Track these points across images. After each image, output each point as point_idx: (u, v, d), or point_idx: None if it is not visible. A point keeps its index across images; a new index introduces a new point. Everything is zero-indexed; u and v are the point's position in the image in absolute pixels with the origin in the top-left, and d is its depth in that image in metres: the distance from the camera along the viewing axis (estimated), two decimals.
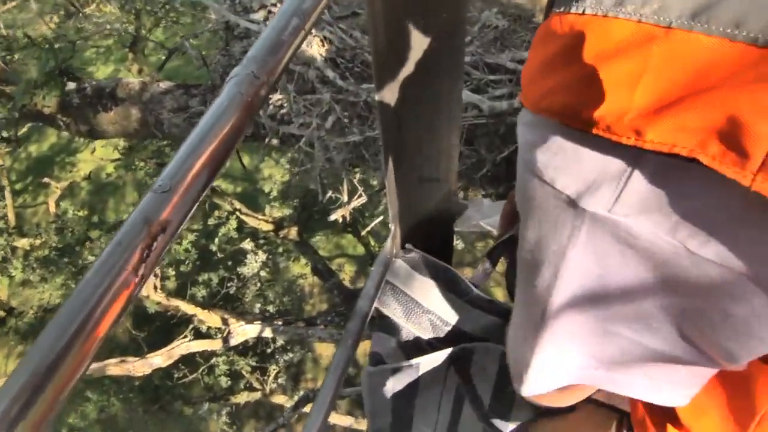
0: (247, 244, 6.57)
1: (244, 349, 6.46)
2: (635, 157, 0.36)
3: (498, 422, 1.05)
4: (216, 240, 6.61)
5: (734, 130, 0.30)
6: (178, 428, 6.75)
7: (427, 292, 1.19)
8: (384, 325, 1.16)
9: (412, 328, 1.17)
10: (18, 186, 8.08)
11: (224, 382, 6.39)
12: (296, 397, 5.83)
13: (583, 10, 0.37)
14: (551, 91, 0.39)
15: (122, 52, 7.21)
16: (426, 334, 1.17)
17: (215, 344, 4.60)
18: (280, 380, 6.65)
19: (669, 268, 0.38)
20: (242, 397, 6.43)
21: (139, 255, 0.40)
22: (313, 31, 2.24)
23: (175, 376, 6.10)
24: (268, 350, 6.50)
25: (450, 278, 1.17)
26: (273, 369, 6.50)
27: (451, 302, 1.18)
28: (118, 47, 6.48)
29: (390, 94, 0.94)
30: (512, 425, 1.04)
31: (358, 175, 2.97)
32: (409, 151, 1.05)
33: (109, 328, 0.39)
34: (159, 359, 4.21)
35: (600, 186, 0.38)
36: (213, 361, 6.26)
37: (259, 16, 2.43)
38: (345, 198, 2.76)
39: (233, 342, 4.35)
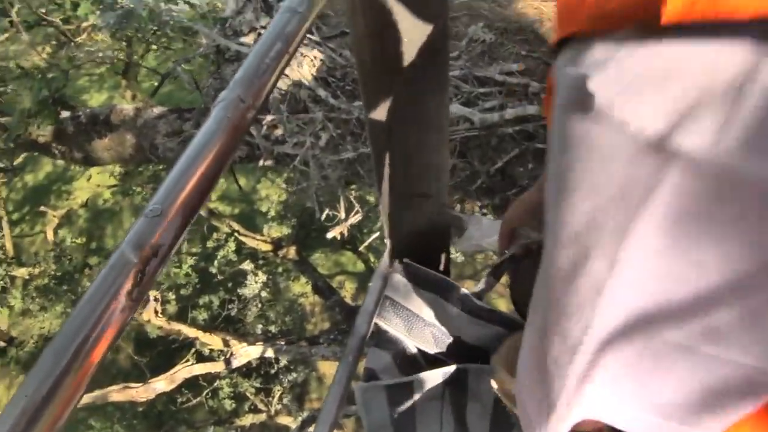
0: (247, 265, 6.57)
1: (247, 371, 6.43)
2: (761, 44, 0.24)
3: None
4: (215, 262, 6.60)
5: None
6: None
7: (428, 305, 1.19)
8: (380, 340, 1.16)
9: (414, 342, 1.17)
10: (15, 216, 8.07)
11: (228, 404, 6.35)
12: (301, 418, 5.79)
13: None
14: None
15: (115, 79, 7.26)
16: (429, 347, 1.17)
17: (218, 366, 4.58)
18: (284, 401, 6.60)
19: None
20: (247, 420, 6.38)
21: (133, 279, 0.40)
22: (304, 51, 2.27)
23: (179, 400, 6.06)
24: (272, 371, 6.46)
25: (449, 290, 1.17)
26: (277, 390, 6.46)
27: (452, 314, 1.18)
28: (111, 74, 6.53)
29: (378, 112, 0.96)
30: None
31: (354, 192, 2.98)
32: (400, 167, 1.06)
33: (105, 352, 0.39)
34: (162, 384, 4.19)
35: (703, 109, 0.26)
36: (216, 384, 6.22)
37: (249, 39, 2.46)
38: (342, 215, 2.76)
39: (236, 364, 4.33)
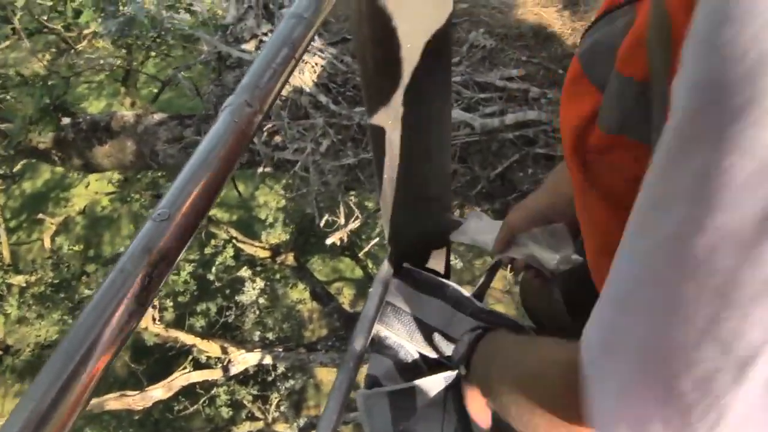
0: (245, 272, 6.56)
1: (244, 378, 6.40)
2: None
3: None
4: (213, 269, 6.59)
5: None
6: None
7: (429, 309, 1.19)
8: (381, 346, 1.16)
9: (416, 347, 1.17)
10: (12, 223, 8.06)
11: (225, 412, 6.31)
12: (299, 425, 5.76)
13: None
14: None
15: (114, 86, 7.27)
16: (431, 352, 1.17)
17: (215, 374, 4.56)
18: (282, 408, 6.57)
19: None
20: (244, 428, 6.35)
21: (140, 283, 0.40)
22: (305, 57, 2.28)
23: (176, 408, 6.03)
24: (269, 378, 6.44)
25: (450, 293, 1.17)
26: (275, 397, 6.43)
27: (454, 317, 1.18)
28: (110, 81, 6.54)
29: (380, 117, 0.96)
30: None
31: (354, 198, 2.98)
32: (402, 172, 1.06)
33: (113, 356, 0.39)
34: (159, 392, 4.17)
35: None
36: (213, 391, 6.19)
37: (251, 46, 2.47)
38: (342, 221, 2.77)
39: (234, 371, 4.32)
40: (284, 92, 2.29)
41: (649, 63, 0.37)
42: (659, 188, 0.27)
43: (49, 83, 2.63)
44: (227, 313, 6.45)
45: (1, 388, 7.04)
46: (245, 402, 6.39)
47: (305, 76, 2.27)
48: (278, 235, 6.78)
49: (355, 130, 2.22)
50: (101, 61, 4.35)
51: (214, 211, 7.77)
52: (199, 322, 6.41)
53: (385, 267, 1.27)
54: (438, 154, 1.07)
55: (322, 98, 2.25)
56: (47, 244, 6.62)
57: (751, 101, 0.21)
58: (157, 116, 2.84)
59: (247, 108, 0.49)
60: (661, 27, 0.34)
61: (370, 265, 7.09)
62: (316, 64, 2.28)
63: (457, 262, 6.15)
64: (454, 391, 1.10)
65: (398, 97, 0.92)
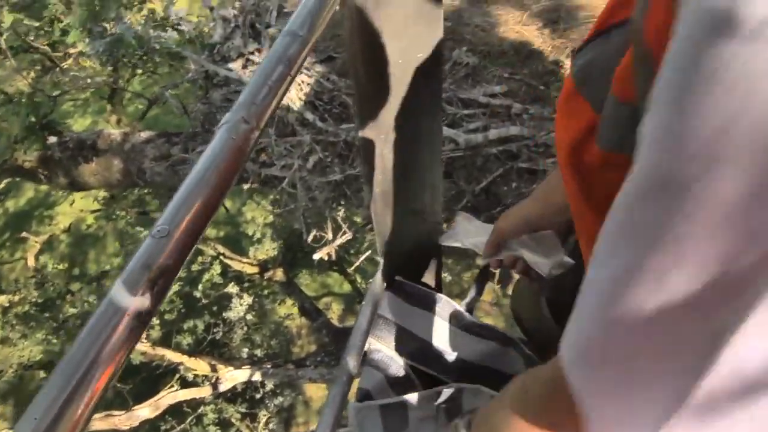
0: (232, 288, 6.51)
1: (232, 396, 6.32)
2: None
3: None
4: (200, 286, 6.53)
5: None
6: None
7: (421, 322, 1.19)
8: (374, 360, 1.16)
9: (408, 360, 1.17)
10: None
11: (213, 431, 6.23)
12: None
13: None
14: None
15: (100, 104, 7.24)
16: (422, 365, 1.17)
17: (203, 391, 4.51)
18: (271, 426, 6.50)
19: None
20: None
21: (141, 299, 0.41)
22: None
23: (163, 428, 5.93)
24: (258, 396, 6.36)
25: (441, 306, 1.18)
26: (263, 415, 6.36)
27: (446, 330, 1.19)
28: (96, 99, 6.52)
29: (372, 132, 0.97)
30: None
31: (341, 213, 2.99)
32: (394, 186, 1.07)
33: (114, 373, 0.39)
34: (146, 411, 4.11)
35: None
36: (201, 410, 6.11)
37: (238, 64, 2.48)
38: (329, 236, 2.77)
39: (222, 388, 4.27)
40: None
41: (636, 93, 0.38)
42: (614, 232, 0.30)
43: (35, 100, 2.61)
44: (215, 330, 6.39)
45: None
46: (233, 420, 6.30)
47: (292, 93, 2.28)
48: (266, 250, 6.75)
49: (342, 146, 2.24)
50: (88, 80, 4.34)
51: None
52: (186, 340, 6.34)
53: (378, 280, 1.28)
54: (429, 168, 1.09)
55: (309, 115, 2.27)
56: (31, 262, 6.53)
57: (693, 188, 0.24)
58: (144, 134, 2.83)
59: (243, 125, 0.50)
60: (644, 60, 0.35)
61: (359, 280, 7.07)
62: (303, 81, 2.30)
63: (446, 276, 6.16)
64: (448, 405, 1.10)
65: (389, 112, 0.93)
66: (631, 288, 0.28)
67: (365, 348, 1.17)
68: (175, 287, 6.30)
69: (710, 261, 0.24)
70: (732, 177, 0.23)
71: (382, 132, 0.96)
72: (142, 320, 0.40)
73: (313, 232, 2.96)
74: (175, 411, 5.71)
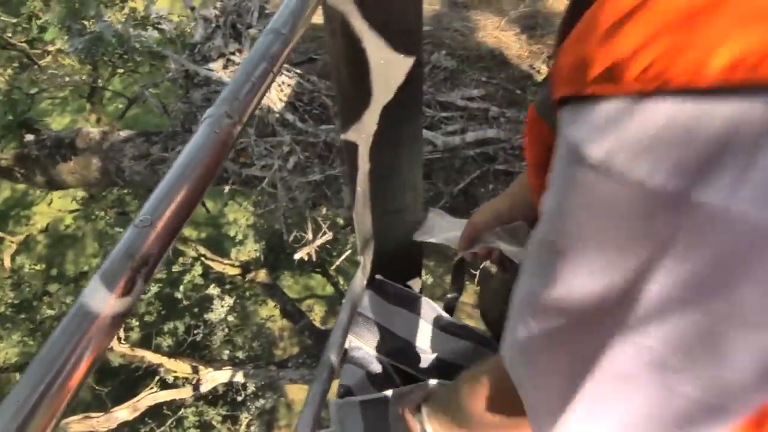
0: (213, 290, 6.47)
1: (213, 398, 6.28)
2: None
3: None
4: (181, 287, 6.48)
5: None
6: None
7: (400, 321, 1.21)
8: (354, 357, 1.17)
9: (386, 358, 1.19)
10: None
11: None
12: None
13: None
14: (646, 54, 0.30)
15: (79, 103, 7.15)
16: (401, 363, 1.19)
17: (184, 393, 4.47)
18: (252, 428, 6.46)
19: None
20: None
21: (123, 288, 0.41)
22: None
23: (142, 430, 5.87)
24: (239, 398, 6.33)
25: (421, 306, 1.19)
26: (245, 417, 6.33)
27: (424, 329, 1.20)
28: (75, 97, 6.44)
29: (354, 133, 0.98)
30: None
31: (322, 214, 3.00)
32: (375, 186, 1.08)
33: (95, 360, 0.40)
34: (124, 413, 4.06)
35: (724, 164, 0.28)
36: (181, 412, 6.06)
37: (218, 64, 2.48)
38: (310, 236, 2.77)
39: (202, 389, 4.24)
40: None
41: None
42: (527, 263, 0.43)
43: (12, 98, 2.58)
44: (195, 332, 6.34)
45: None
46: (214, 422, 6.26)
47: (272, 94, 2.29)
48: (248, 252, 6.72)
49: (322, 147, 2.25)
50: (66, 78, 4.29)
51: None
52: (167, 342, 6.28)
53: (358, 279, 1.29)
54: (410, 168, 1.10)
55: (290, 116, 2.27)
56: (7, 263, 6.42)
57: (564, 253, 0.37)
58: (123, 133, 2.81)
59: (226, 119, 0.51)
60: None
61: (341, 282, 7.07)
62: (283, 83, 2.31)
63: (428, 278, 6.18)
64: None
65: (371, 113, 0.95)
66: (533, 307, 0.41)
67: (346, 346, 1.18)
68: (154, 288, 6.24)
69: (579, 296, 0.36)
70: (586, 243, 0.35)
71: (363, 133, 0.97)
72: (124, 309, 0.41)
73: (294, 233, 2.96)
74: (155, 413, 5.66)
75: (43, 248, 7.86)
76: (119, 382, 6.22)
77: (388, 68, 0.87)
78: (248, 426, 6.36)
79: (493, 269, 1.02)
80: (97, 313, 0.40)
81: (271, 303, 7.04)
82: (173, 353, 5.47)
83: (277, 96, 2.28)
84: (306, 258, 3.02)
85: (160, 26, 3.31)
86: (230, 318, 6.50)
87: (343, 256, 3.57)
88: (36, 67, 4.32)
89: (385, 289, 1.22)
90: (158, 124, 5.83)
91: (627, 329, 0.34)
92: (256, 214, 4.73)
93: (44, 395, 0.37)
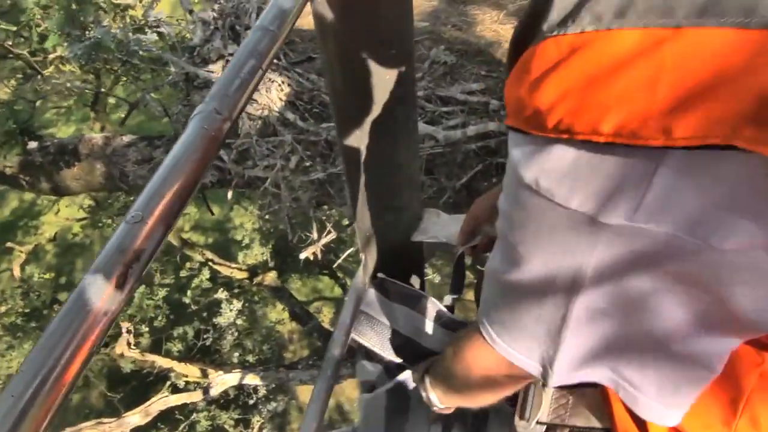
0: (222, 294, 6.49)
1: (225, 403, 6.30)
2: (658, 158, 0.36)
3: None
4: (189, 292, 6.51)
5: (766, 109, 0.32)
6: None
7: (402, 319, 1.21)
8: (367, 353, 1.18)
9: (388, 356, 1.19)
10: None
11: None
12: None
13: (582, 29, 0.36)
14: (557, 111, 0.38)
15: (83, 112, 7.20)
16: (404, 360, 1.19)
17: (194, 396, 4.49)
18: (264, 431, 6.48)
19: (691, 265, 0.39)
20: None
21: (116, 283, 0.42)
22: (272, 76, 2.31)
23: None
24: (251, 401, 6.35)
25: (423, 304, 1.19)
26: (257, 420, 6.35)
27: (426, 327, 1.20)
28: (79, 107, 6.48)
29: (349, 130, 0.98)
30: None
31: (326, 213, 3.00)
32: (373, 182, 1.08)
33: (89, 355, 0.40)
34: (136, 417, 4.08)
35: (620, 196, 0.37)
36: (193, 417, 6.08)
37: (218, 66, 2.48)
38: (315, 236, 2.78)
39: (213, 392, 4.25)
40: (252, 110, 2.30)
41: None
42: (496, 243, 0.53)
43: (15, 108, 2.60)
44: (205, 336, 6.37)
45: None
46: (227, 427, 6.28)
47: (272, 94, 2.29)
48: (255, 255, 6.74)
49: (323, 145, 2.25)
50: (68, 84, 4.31)
51: (188, 234, 7.70)
52: (177, 347, 6.31)
53: (360, 276, 1.29)
54: (406, 164, 1.10)
55: (290, 115, 2.28)
56: (17, 273, 6.47)
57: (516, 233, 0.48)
58: (126, 138, 2.83)
59: (216, 115, 0.52)
60: None
61: (349, 283, 7.07)
62: (283, 82, 2.31)
63: (435, 276, 6.17)
64: None
65: (365, 110, 0.95)
66: (498, 283, 0.53)
67: (354, 344, 1.19)
68: (162, 293, 6.27)
69: (533, 278, 0.48)
70: (532, 245, 0.46)
71: (358, 130, 0.97)
72: (117, 304, 0.41)
73: (298, 233, 2.97)
74: (168, 418, 5.69)
75: (52, 257, 7.92)
76: (131, 388, 6.26)
77: (380, 66, 0.87)
78: (260, 429, 6.38)
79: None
80: (90, 308, 0.40)
81: (279, 306, 7.06)
82: (183, 358, 5.50)
83: (277, 95, 2.28)
84: (312, 258, 3.02)
85: (158, 29, 3.33)
86: (239, 322, 6.52)
87: (344, 255, 3.57)
88: (39, 77, 4.35)
89: (387, 287, 1.22)
90: (161, 130, 5.86)
91: (580, 295, 0.45)
92: (262, 217, 4.75)
93: (39, 389, 0.37)
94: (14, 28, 3.51)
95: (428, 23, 2.44)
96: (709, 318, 0.43)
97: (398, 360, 1.19)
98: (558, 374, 0.53)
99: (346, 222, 3.71)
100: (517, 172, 0.43)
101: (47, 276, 6.95)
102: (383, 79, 0.89)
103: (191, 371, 4.86)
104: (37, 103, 4.90)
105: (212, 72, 2.39)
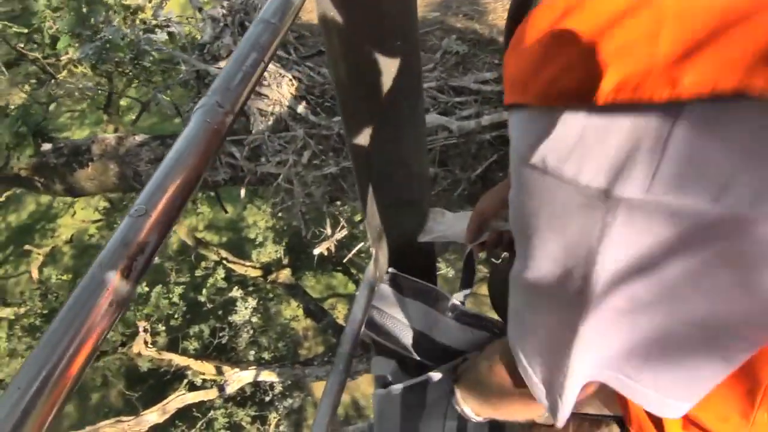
0: (236, 292, 6.53)
1: (242, 400, 6.35)
2: (671, 118, 0.32)
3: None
4: (204, 291, 6.56)
5: None
6: None
7: (414, 313, 1.20)
8: (381, 348, 1.17)
9: (401, 350, 1.18)
10: None
11: None
12: None
13: None
14: (558, 76, 0.36)
15: (97, 115, 7.27)
16: (417, 355, 1.18)
17: (211, 394, 4.52)
18: (281, 428, 6.52)
19: (719, 241, 0.34)
20: None
21: (120, 276, 0.42)
22: (282, 71, 2.31)
23: None
24: (267, 398, 6.39)
25: (435, 297, 1.18)
26: (273, 417, 6.38)
27: (438, 321, 1.19)
28: (92, 110, 6.54)
29: (356, 124, 0.98)
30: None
31: (340, 208, 3.00)
32: (381, 176, 1.08)
33: (93, 349, 0.40)
34: (154, 416, 4.13)
35: (634, 164, 0.34)
36: (211, 414, 6.14)
37: None
38: (329, 231, 2.78)
39: (229, 390, 4.28)
40: (264, 106, 2.31)
41: None
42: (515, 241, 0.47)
43: (30, 112, 2.63)
44: (221, 335, 6.42)
45: None
46: (244, 423, 6.33)
47: (283, 89, 2.29)
48: (269, 253, 6.77)
49: (335, 139, 2.24)
50: (80, 86, 4.35)
51: (203, 234, 7.75)
52: (193, 345, 6.37)
53: (371, 271, 1.29)
54: (415, 158, 1.10)
55: (301, 110, 2.27)
56: (35, 275, 6.56)
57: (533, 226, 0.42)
58: (139, 137, 2.85)
59: (218, 108, 0.52)
60: None
61: (362, 278, 7.07)
62: (294, 77, 2.31)
63: (448, 270, 6.16)
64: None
65: (371, 105, 0.94)
66: (519, 273, 0.47)
67: (368, 339, 1.18)
68: (178, 290, 6.32)
69: (545, 277, 0.43)
70: (542, 232, 0.42)
71: (364, 124, 0.97)
72: (121, 297, 0.42)
73: (312, 229, 2.97)
74: (185, 416, 5.74)
75: (69, 259, 8.02)
76: (148, 386, 6.33)
77: (385, 59, 0.86)
78: (277, 426, 6.42)
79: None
80: (94, 302, 0.40)
81: (293, 303, 7.09)
82: (200, 356, 5.55)
83: (288, 90, 2.28)
84: (326, 253, 3.02)
85: (168, 28, 3.34)
86: (254, 319, 6.56)
87: (354, 249, 3.57)
88: (53, 81, 4.40)
89: (400, 282, 1.22)
90: (173, 131, 5.90)
91: (593, 302, 0.41)
92: (275, 214, 4.76)
93: (45, 382, 0.37)
94: (26, 31, 3.55)
95: (439, 13, 2.42)
96: (738, 309, 0.38)
97: (412, 355, 1.18)
98: (568, 402, 0.49)
99: (358, 218, 3.71)
100: (522, 154, 0.40)
101: (65, 277, 7.04)
102: (388, 72, 0.88)
103: (208, 369, 4.90)
104: (51, 107, 4.96)
105: (222, 69, 2.39)
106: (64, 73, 4.41)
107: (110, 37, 2.82)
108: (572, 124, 0.36)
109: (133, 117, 6.67)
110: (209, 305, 6.56)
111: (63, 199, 7.01)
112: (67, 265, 7.95)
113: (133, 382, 6.48)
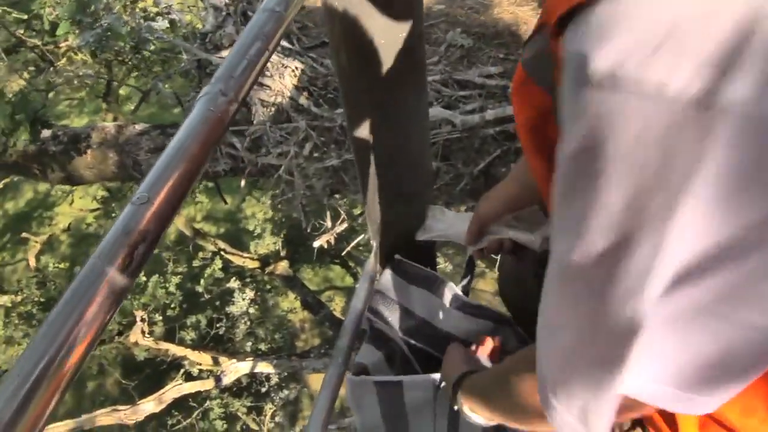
0: (234, 283, 6.53)
1: (238, 391, 6.36)
2: None
3: None
4: (202, 281, 6.55)
5: None
6: None
7: (418, 300, 1.20)
8: (373, 337, 1.17)
9: (404, 336, 1.18)
10: None
11: (220, 425, 6.27)
12: None
13: None
14: None
15: (96, 103, 7.23)
16: (419, 342, 1.18)
17: (208, 384, 4.53)
18: (277, 419, 6.53)
19: None
20: None
21: (121, 265, 0.41)
22: (285, 62, 2.29)
23: (169, 422, 5.98)
24: (263, 389, 6.40)
25: (439, 286, 1.19)
26: (269, 408, 6.40)
27: (442, 309, 1.20)
28: (91, 98, 6.51)
29: (358, 116, 0.97)
30: None
31: (340, 201, 2.99)
32: (383, 168, 1.07)
33: (94, 337, 0.40)
34: (151, 405, 4.13)
35: (745, 58, 0.25)
36: (207, 404, 6.15)
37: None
38: (329, 224, 2.77)
39: (226, 380, 4.29)
40: (266, 96, 2.30)
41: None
42: (556, 221, 0.38)
43: (28, 99, 2.61)
44: (218, 325, 6.42)
45: None
46: (239, 414, 6.34)
47: (286, 80, 2.28)
48: (267, 245, 6.76)
49: (337, 131, 2.23)
50: (80, 74, 4.33)
51: (201, 224, 7.74)
52: (190, 335, 6.37)
53: (371, 262, 1.29)
54: (417, 151, 1.09)
55: (304, 101, 2.26)
56: (32, 263, 6.55)
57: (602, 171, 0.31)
58: (139, 126, 2.83)
59: (222, 97, 0.51)
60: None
61: (360, 272, 7.07)
62: (297, 68, 2.30)
63: (447, 265, 6.16)
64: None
65: (374, 96, 0.93)
66: (565, 254, 0.37)
67: (365, 324, 1.18)
68: (176, 280, 6.32)
69: (604, 233, 0.33)
70: (602, 169, 0.31)
71: (367, 116, 0.96)
72: (122, 284, 0.41)
73: (312, 221, 2.96)
74: (181, 406, 5.75)
75: (67, 247, 8.00)
76: (145, 376, 6.33)
77: (388, 49, 0.85)
78: (273, 417, 6.43)
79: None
80: (95, 290, 0.40)
81: (291, 295, 7.09)
82: (197, 347, 5.55)
83: (290, 81, 2.27)
84: (325, 246, 3.02)
85: (169, 15, 3.32)
86: (251, 311, 6.57)
87: (353, 242, 3.57)
88: (52, 68, 4.37)
89: (404, 269, 1.22)
90: (173, 120, 5.88)
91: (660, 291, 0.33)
92: (274, 205, 4.75)
93: (45, 371, 0.37)
94: (25, 17, 3.52)
95: (444, 6, 2.41)
96: None
97: (411, 342, 1.18)
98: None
99: (357, 211, 3.71)
100: (584, 69, 0.29)
101: (62, 266, 7.03)
102: (392, 64, 0.88)
103: (204, 359, 4.90)
104: (50, 95, 4.92)
105: (224, 58, 2.37)
106: (64, 60, 4.38)
107: (111, 24, 2.80)
108: (663, 8, 0.27)
109: (132, 106, 6.65)
110: (206, 296, 6.56)
111: (61, 187, 6.98)
112: (65, 254, 7.93)
113: (130, 371, 6.48)
